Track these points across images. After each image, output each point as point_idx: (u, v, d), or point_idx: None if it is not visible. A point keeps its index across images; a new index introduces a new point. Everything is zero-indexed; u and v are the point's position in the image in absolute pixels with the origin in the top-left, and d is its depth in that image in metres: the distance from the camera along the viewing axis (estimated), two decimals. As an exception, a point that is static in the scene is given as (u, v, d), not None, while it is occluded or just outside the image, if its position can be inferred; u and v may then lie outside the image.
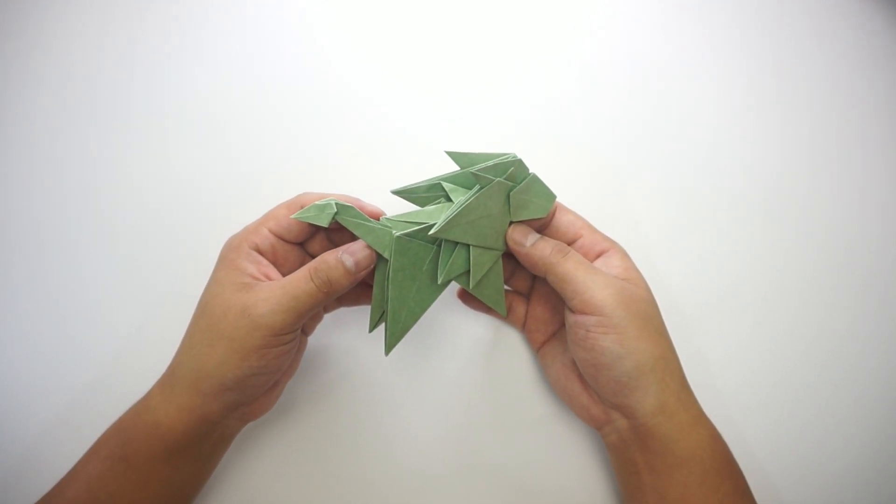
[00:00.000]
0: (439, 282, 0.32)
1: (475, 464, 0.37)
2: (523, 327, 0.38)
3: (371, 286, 0.34)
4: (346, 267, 0.30)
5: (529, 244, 0.32)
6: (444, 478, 0.37)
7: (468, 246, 0.32)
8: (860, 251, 0.41)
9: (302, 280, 0.30)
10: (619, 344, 0.30)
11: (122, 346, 0.38)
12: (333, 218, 0.31)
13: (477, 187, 0.31)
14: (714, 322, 0.40)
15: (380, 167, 0.41)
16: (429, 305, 0.32)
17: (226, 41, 0.43)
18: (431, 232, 0.30)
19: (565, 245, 0.33)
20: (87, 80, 0.42)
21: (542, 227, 0.34)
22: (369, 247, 0.31)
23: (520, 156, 0.32)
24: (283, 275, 0.33)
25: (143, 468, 0.30)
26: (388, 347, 0.32)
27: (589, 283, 0.31)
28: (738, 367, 0.39)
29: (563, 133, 0.42)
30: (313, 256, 0.35)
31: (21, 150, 0.41)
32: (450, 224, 0.30)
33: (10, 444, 0.37)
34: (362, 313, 0.38)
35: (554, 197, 0.34)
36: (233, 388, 0.30)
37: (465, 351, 0.39)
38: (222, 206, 0.40)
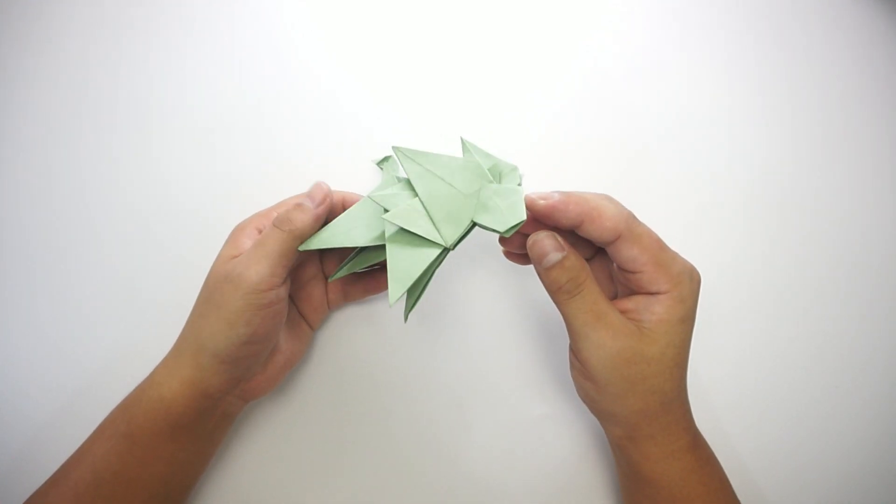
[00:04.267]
0: (367, 193, 0.32)
1: (474, 461, 0.38)
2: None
3: (376, 277, 0.37)
4: (303, 204, 0.31)
5: (545, 266, 0.29)
6: (444, 474, 0.37)
7: (416, 196, 0.30)
8: (868, 260, 0.41)
9: (267, 229, 0.31)
10: (595, 392, 0.30)
11: (115, 350, 0.38)
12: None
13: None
14: (717, 324, 0.40)
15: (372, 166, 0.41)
16: (366, 243, 0.32)
17: (220, 44, 0.43)
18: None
19: (582, 279, 0.29)
20: (77, 84, 0.42)
21: (609, 242, 0.29)
22: (323, 184, 0.33)
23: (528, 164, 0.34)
24: None
25: (147, 445, 0.30)
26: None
27: (584, 337, 0.29)
28: (741, 373, 0.39)
29: (567, 134, 0.42)
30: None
31: (13, 156, 0.41)
32: (412, 154, 0.30)
33: (5, 445, 0.37)
34: (364, 305, 0.39)
35: (521, 220, 0.29)
36: (226, 361, 0.30)
37: (466, 349, 0.39)
38: (215, 213, 0.40)
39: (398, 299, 0.29)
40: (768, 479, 0.38)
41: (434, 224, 0.30)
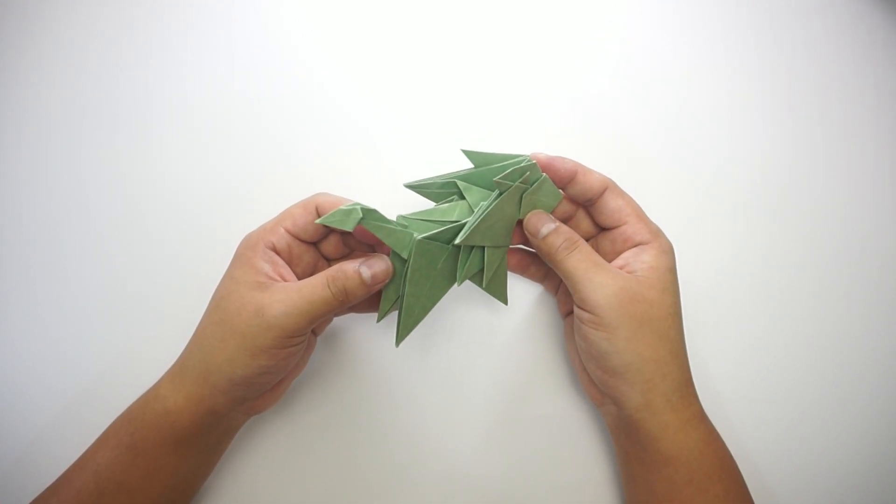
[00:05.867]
0: (458, 284, 0.33)
1: (474, 461, 0.37)
2: (556, 292, 0.39)
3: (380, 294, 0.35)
4: (363, 279, 0.30)
5: (541, 237, 0.33)
6: (443, 473, 0.37)
7: (482, 247, 0.33)
8: (869, 258, 0.41)
9: (318, 286, 0.30)
10: (607, 341, 0.31)
11: (116, 353, 0.38)
12: (358, 223, 0.30)
13: (496, 193, 0.32)
14: (718, 324, 0.40)
15: (392, 164, 0.41)
16: (439, 300, 0.34)
17: (220, 46, 0.42)
18: (458, 241, 0.31)
19: (575, 238, 0.33)
20: (78, 86, 0.42)
21: (590, 203, 0.34)
22: (386, 260, 0.32)
23: (528, 153, 0.34)
24: (297, 274, 0.33)
25: (151, 457, 0.30)
26: (400, 339, 0.33)
27: (587, 282, 0.31)
28: (745, 370, 0.39)
29: (566, 134, 0.42)
30: (326, 257, 0.35)
31: (14, 159, 0.40)
32: (473, 232, 0.32)
33: (6, 448, 0.36)
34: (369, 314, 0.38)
35: (560, 196, 0.35)
36: (240, 384, 0.30)
37: (467, 350, 0.39)
38: (217, 217, 0.40)
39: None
40: (774, 476, 0.38)
41: (501, 246, 0.34)
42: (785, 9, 0.44)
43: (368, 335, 0.39)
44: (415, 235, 0.31)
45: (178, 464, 0.31)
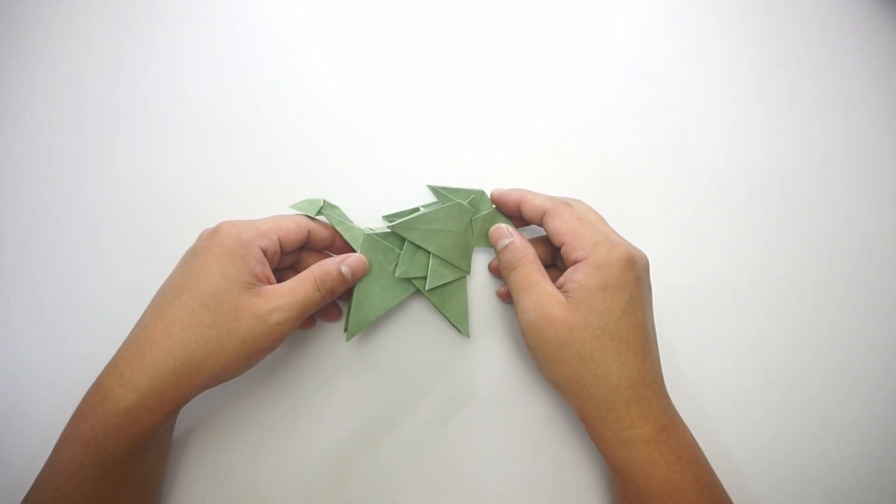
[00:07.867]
0: (396, 275, 0.36)
1: (471, 461, 0.38)
2: None
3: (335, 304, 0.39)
4: (345, 276, 0.34)
5: (499, 248, 0.35)
6: (443, 475, 0.38)
7: (430, 254, 0.36)
8: (868, 260, 0.41)
9: (309, 289, 0.32)
10: (533, 358, 0.34)
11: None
12: (320, 211, 0.36)
13: (438, 202, 0.37)
14: (716, 326, 0.40)
15: (392, 167, 0.41)
16: (392, 304, 0.36)
17: (220, 45, 0.42)
18: (389, 225, 0.35)
19: (519, 256, 0.34)
20: (81, 83, 0.41)
21: (539, 217, 0.35)
22: (361, 256, 0.35)
23: (500, 185, 0.38)
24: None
25: (119, 470, 0.30)
26: (350, 334, 0.36)
27: (517, 304, 0.33)
28: (740, 375, 0.40)
29: (567, 135, 0.42)
30: (285, 269, 0.37)
31: (13, 158, 0.40)
32: (407, 224, 0.35)
33: (8, 447, 0.37)
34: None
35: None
36: (225, 380, 0.32)
37: (463, 350, 0.39)
38: (217, 214, 0.39)
39: (468, 329, 0.38)
40: (765, 481, 0.38)
41: (453, 265, 0.37)
42: (785, 8, 0.44)
43: (372, 338, 0.39)
44: (365, 230, 0.36)
45: (144, 467, 0.32)
